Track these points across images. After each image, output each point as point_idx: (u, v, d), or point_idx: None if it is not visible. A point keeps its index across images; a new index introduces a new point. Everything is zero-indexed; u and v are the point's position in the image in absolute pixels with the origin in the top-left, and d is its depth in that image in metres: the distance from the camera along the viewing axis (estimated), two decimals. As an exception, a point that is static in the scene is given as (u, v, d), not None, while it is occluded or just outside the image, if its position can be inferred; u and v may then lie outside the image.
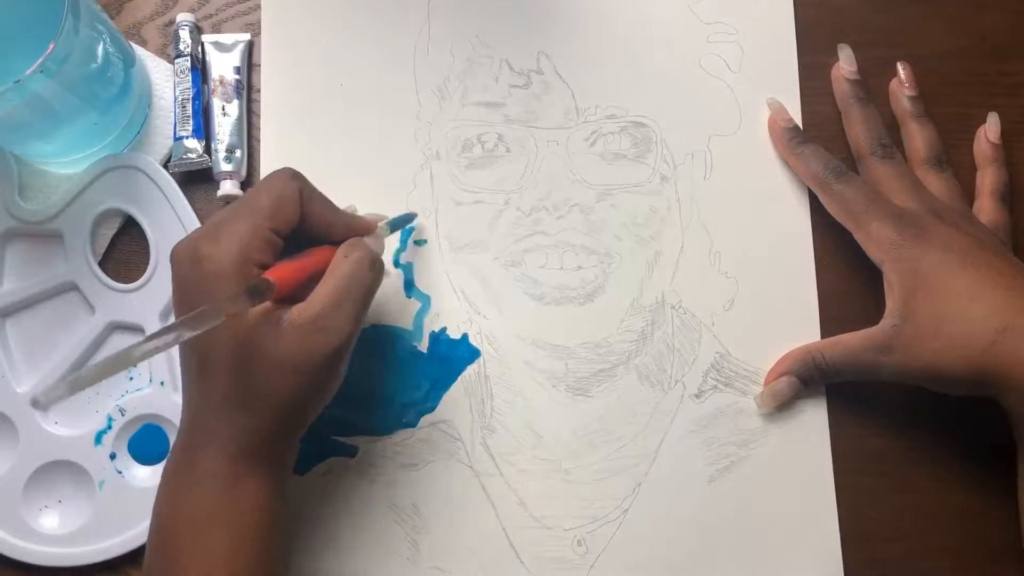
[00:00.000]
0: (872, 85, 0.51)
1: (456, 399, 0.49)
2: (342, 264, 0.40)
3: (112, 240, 0.50)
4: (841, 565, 0.48)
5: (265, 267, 0.39)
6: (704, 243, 0.50)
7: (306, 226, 0.41)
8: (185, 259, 0.39)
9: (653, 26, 0.52)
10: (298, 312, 0.39)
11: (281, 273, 0.39)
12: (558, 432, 0.49)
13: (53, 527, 0.48)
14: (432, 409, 0.49)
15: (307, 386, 0.39)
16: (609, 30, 0.52)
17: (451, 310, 0.49)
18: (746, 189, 0.51)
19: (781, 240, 0.50)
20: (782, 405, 0.48)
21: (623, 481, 0.48)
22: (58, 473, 0.48)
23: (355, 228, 0.43)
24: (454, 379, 0.49)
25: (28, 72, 0.40)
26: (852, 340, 0.46)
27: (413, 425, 0.49)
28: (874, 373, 0.46)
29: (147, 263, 0.49)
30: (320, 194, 0.42)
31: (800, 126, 0.51)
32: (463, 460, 0.48)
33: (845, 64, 0.51)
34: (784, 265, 0.50)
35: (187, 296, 0.39)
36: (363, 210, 0.47)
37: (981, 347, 0.43)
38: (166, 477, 0.40)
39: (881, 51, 0.52)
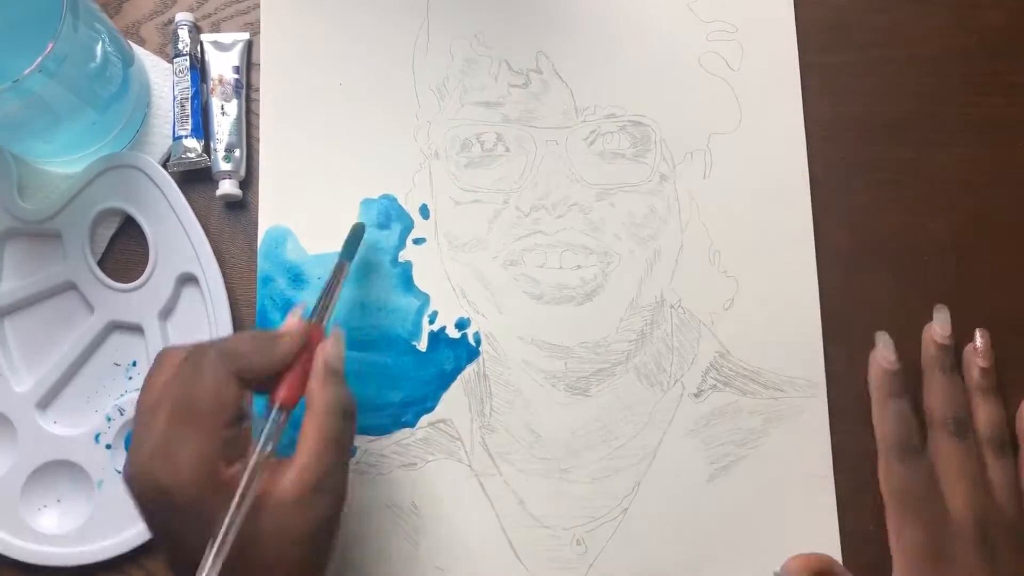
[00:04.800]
0: (872, 85, 0.51)
1: (455, 399, 0.49)
2: (320, 418, 0.38)
3: (111, 239, 0.50)
4: (840, 565, 0.48)
5: (232, 461, 0.37)
6: (703, 242, 0.50)
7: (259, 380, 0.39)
8: (148, 491, 0.36)
9: (652, 25, 0.52)
10: (294, 484, 0.37)
11: (289, 399, 0.38)
12: (557, 431, 0.49)
13: (52, 527, 0.48)
14: (431, 409, 0.49)
15: (318, 550, 0.38)
16: (608, 29, 0.52)
17: (450, 309, 0.49)
18: (746, 188, 0.51)
19: (781, 239, 0.50)
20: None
21: (622, 480, 0.48)
22: (57, 473, 0.48)
23: (301, 348, 0.40)
24: (453, 379, 0.49)
25: (27, 72, 0.40)
26: None
27: (412, 425, 0.49)
28: None
29: (146, 262, 0.49)
30: (252, 344, 0.39)
31: (901, 372, 0.47)
32: (462, 459, 0.48)
33: (939, 327, 0.48)
34: (784, 264, 0.50)
35: (166, 528, 0.37)
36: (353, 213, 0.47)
37: None
38: None
39: (881, 51, 0.52)
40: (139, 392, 0.39)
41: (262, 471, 0.36)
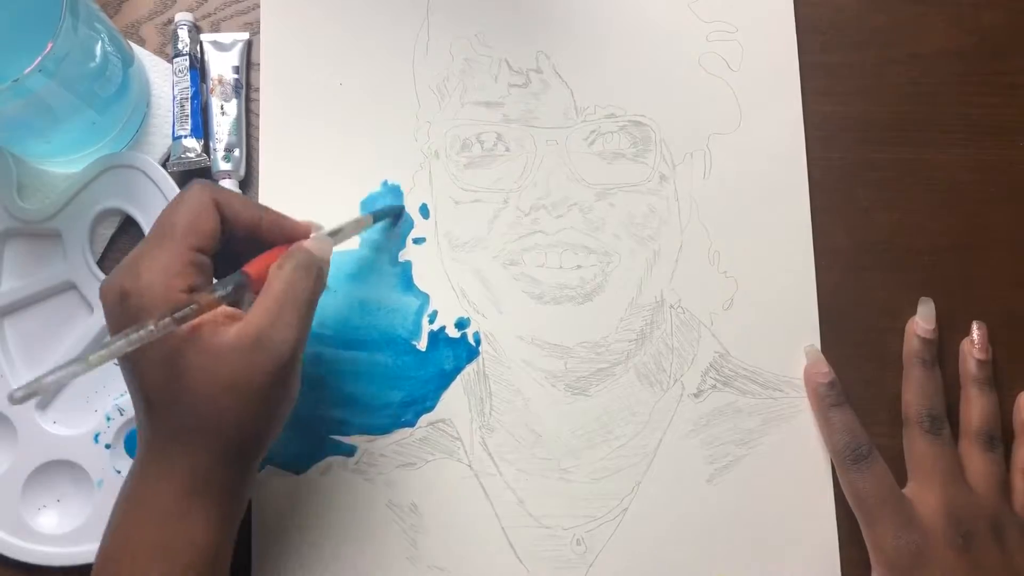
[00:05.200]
0: (872, 85, 0.51)
1: (455, 398, 0.49)
2: (277, 275, 0.38)
3: (111, 239, 0.50)
4: (839, 564, 0.48)
5: (193, 290, 0.37)
6: (703, 242, 0.50)
7: (235, 236, 0.40)
8: (110, 298, 0.37)
9: (652, 25, 0.52)
10: (235, 332, 0.37)
11: (256, 271, 0.38)
12: (557, 431, 0.49)
13: (52, 526, 0.48)
14: (431, 408, 0.49)
15: (253, 410, 0.37)
16: (608, 29, 0.52)
17: (450, 309, 0.49)
18: (745, 188, 0.51)
19: (780, 239, 0.50)
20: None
21: (622, 480, 0.48)
22: (57, 472, 0.48)
23: (284, 228, 0.41)
24: (453, 378, 0.49)
25: (27, 71, 0.40)
26: None
27: (412, 424, 0.49)
28: None
29: (146, 262, 0.49)
30: (241, 197, 0.41)
31: (836, 381, 0.48)
32: (462, 459, 0.48)
33: (922, 320, 0.48)
34: (783, 264, 0.50)
35: (119, 335, 0.37)
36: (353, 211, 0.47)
37: None
38: (117, 504, 0.39)
39: (881, 51, 0.52)
40: None
41: (204, 309, 0.36)
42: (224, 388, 0.37)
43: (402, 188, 0.50)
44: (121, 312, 0.37)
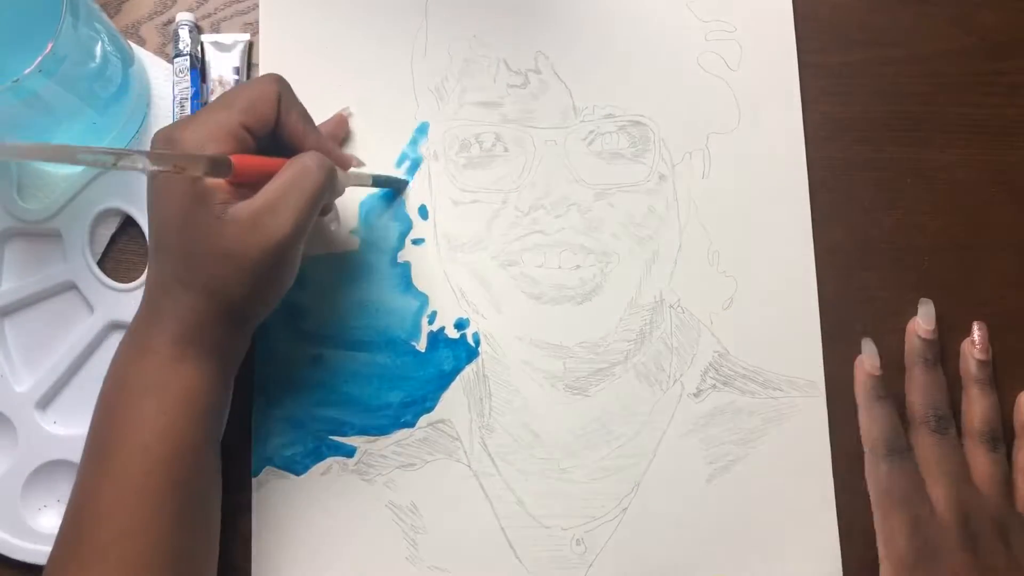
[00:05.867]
0: (872, 85, 0.51)
1: (454, 399, 0.49)
2: (292, 164, 0.41)
3: (111, 239, 0.50)
4: (840, 564, 0.47)
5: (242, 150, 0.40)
6: (703, 242, 0.50)
7: (281, 134, 0.42)
8: (158, 142, 0.40)
9: (651, 25, 0.52)
10: (242, 206, 0.39)
11: (243, 160, 0.39)
12: (556, 431, 0.49)
13: (52, 526, 0.48)
14: (431, 409, 0.49)
15: (247, 279, 0.40)
16: (607, 29, 0.52)
17: (449, 310, 0.49)
18: (745, 188, 0.51)
19: (780, 238, 0.50)
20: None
21: (622, 480, 0.48)
22: (57, 472, 0.48)
23: (323, 147, 0.43)
24: (452, 379, 0.49)
25: (27, 71, 0.40)
26: None
27: (411, 425, 0.49)
28: None
29: (146, 263, 0.49)
30: (301, 107, 0.43)
31: (884, 376, 0.48)
32: (462, 460, 0.48)
33: (922, 321, 0.49)
34: (783, 264, 0.50)
35: (153, 183, 0.41)
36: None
37: None
38: (118, 349, 0.42)
39: (881, 51, 0.52)
40: None
41: (181, 163, 0.37)
42: (218, 255, 0.39)
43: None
44: (168, 162, 0.38)
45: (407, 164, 0.50)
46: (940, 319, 0.49)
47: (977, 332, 0.49)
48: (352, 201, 0.50)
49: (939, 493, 0.46)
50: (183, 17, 0.51)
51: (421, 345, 0.49)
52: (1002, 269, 0.51)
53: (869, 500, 0.48)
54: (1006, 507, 0.46)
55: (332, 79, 0.51)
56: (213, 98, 0.51)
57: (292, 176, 0.40)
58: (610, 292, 0.49)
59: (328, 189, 0.42)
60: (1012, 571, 0.45)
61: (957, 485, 0.46)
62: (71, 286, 0.49)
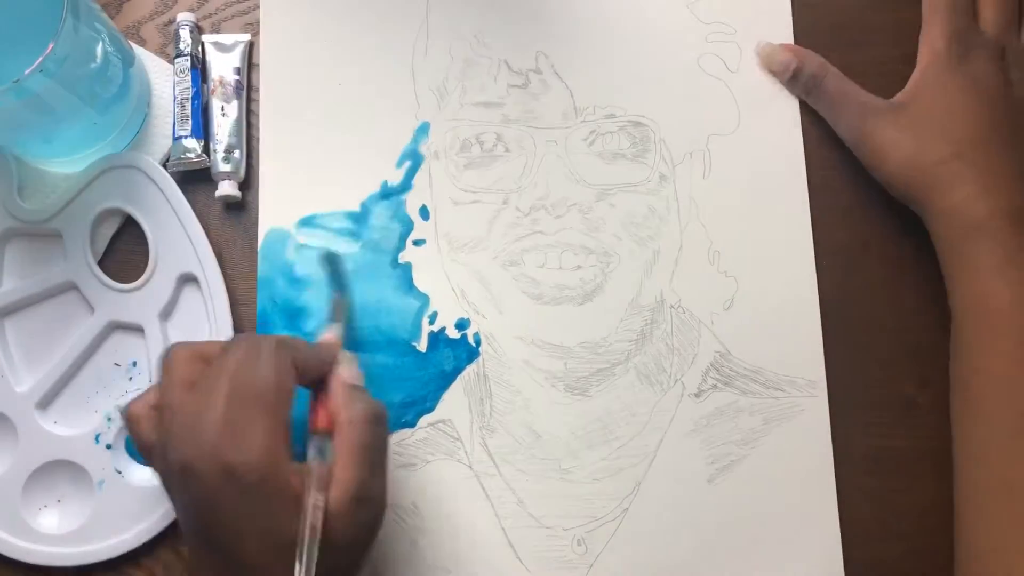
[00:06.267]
0: (872, 85, 0.51)
1: (455, 399, 0.49)
2: (351, 429, 0.38)
3: (111, 240, 0.50)
4: (841, 564, 0.47)
5: (292, 453, 0.37)
6: (703, 242, 0.50)
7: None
8: (213, 472, 0.35)
9: (651, 26, 0.52)
10: (336, 495, 0.37)
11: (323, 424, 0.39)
12: (557, 432, 0.48)
13: (52, 527, 0.48)
14: (431, 409, 0.49)
15: (353, 559, 0.38)
16: (607, 30, 0.52)
17: (450, 310, 0.49)
18: (745, 188, 0.51)
19: (781, 239, 0.50)
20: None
21: (622, 481, 0.48)
22: (58, 473, 0.48)
23: (324, 360, 0.41)
24: (453, 379, 0.49)
25: (27, 72, 0.40)
26: (854, 92, 0.49)
27: (412, 425, 0.49)
28: (840, 125, 0.50)
29: (146, 263, 0.49)
30: (302, 343, 0.40)
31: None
32: (462, 460, 0.48)
33: None
34: (784, 264, 0.50)
35: (219, 514, 0.36)
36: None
37: (931, 161, 0.46)
38: None
39: (881, 51, 0.52)
40: (155, 391, 0.39)
41: (319, 499, 0.36)
42: (336, 550, 0.36)
43: (394, 186, 0.50)
44: (229, 488, 0.35)
45: (408, 164, 0.51)
46: (940, 313, 0.48)
47: None
48: (352, 202, 0.50)
49: (990, 8, 0.49)
50: (184, 17, 0.51)
51: (422, 345, 0.49)
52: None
53: (870, 500, 0.48)
54: (1007, 37, 0.49)
55: (333, 79, 0.51)
56: (214, 98, 0.51)
57: (361, 441, 0.38)
58: (611, 292, 0.49)
59: (384, 426, 0.40)
60: (1000, 83, 0.48)
61: (1007, 5, 0.49)
62: (72, 286, 0.49)
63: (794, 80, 0.50)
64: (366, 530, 0.38)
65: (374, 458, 0.38)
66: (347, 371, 0.41)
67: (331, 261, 0.49)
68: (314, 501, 0.36)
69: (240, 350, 0.37)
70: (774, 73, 0.51)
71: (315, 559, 0.35)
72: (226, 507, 0.35)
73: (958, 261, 0.46)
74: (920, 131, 0.47)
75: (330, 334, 0.43)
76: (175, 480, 0.37)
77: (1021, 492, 0.43)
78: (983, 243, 0.45)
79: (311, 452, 0.38)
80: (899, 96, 0.49)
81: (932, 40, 0.49)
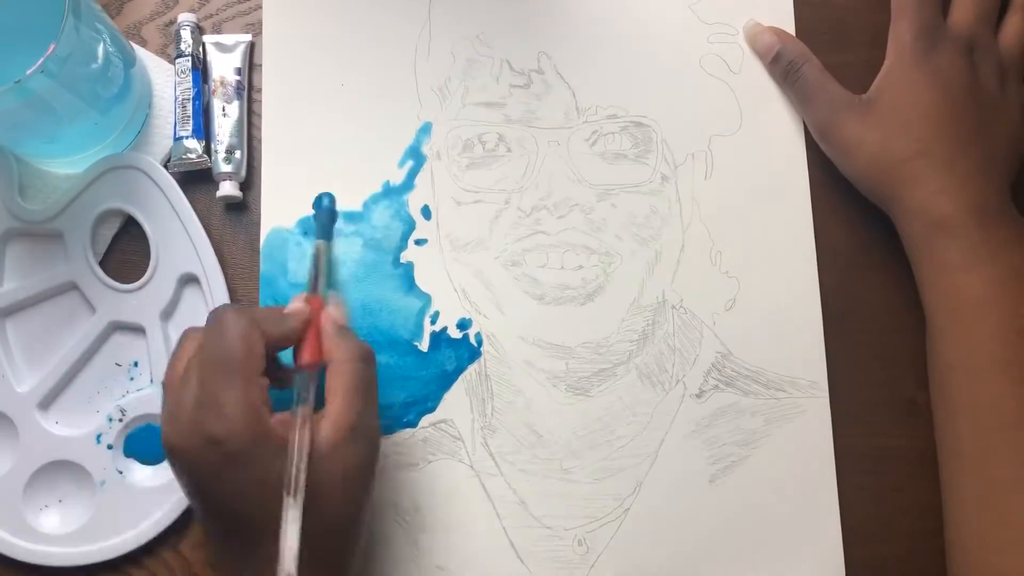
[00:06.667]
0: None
1: (457, 399, 0.49)
2: (341, 368, 0.40)
3: (113, 240, 0.50)
4: (843, 565, 0.48)
5: (270, 409, 0.38)
6: (705, 243, 0.50)
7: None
8: (197, 446, 0.37)
9: (653, 26, 0.52)
10: (331, 429, 0.38)
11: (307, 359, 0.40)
12: (558, 432, 0.49)
13: (54, 527, 0.48)
14: (433, 409, 0.49)
15: (351, 497, 0.39)
16: (610, 30, 0.52)
17: (452, 310, 0.49)
18: (747, 189, 0.51)
19: (782, 239, 0.50)
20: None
21: (624, 481, 0.48)
22: (59, 473, 0.48)
23: (292, 328, 0.41)
24: (455, 379, 0.49)
25: (29, 72, 0.40)
26: (830, 85, 0.49)
27: (414, 425, 0.49)
28: (809, 116, 0.50)
29: (147, 263, 0.49)
30: (269, 311, 0.42)
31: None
32: (464, 460, 0.48)
33: None
34: (785, 264, 0.50)
35: (215, 484, 0.37)
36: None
37: (896, 159, 0.46)
38: None
39: (881, 51, 0.52)
40: (166, 370, 0.41)
41: (306, 424, 0.37)
42: (333, 486, 0.38)
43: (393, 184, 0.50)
44: (217, 461, 0.36)
45: (410, 164, 0.51)
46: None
47: None
48: (354, 202, 0.50)
49: (902, 20, 0.48)
50: (185, 18, 0.51)
51: (424, 345, 0.49)
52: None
53: (871, 500, 0.48)
54: (981, 32, 0.48)
55: (335, 79, 0.51)
56: (215, 98, 0.50)
57: (354, 378, 0.40)
58: (612, 292, 0.49)
59: (375, 369, 0.41)
60: (965, 79, 0.47)
61: (981, 5, 0.49)
62: (73, 286, 0.49)
63: (775, 63, 0.50)
64: (365, 462, 0.39)
65: (366, 392, 0.40)
66: (335, 312, 0.42)
67: (321, 205, 0.47)
68: (301, 418, 0.37)
69: (208, 328, 0.39)
70: (757, 53, 0.51)
71: (303, 486, 0.36)
72: (219, 474, 0.37)
73: (927, 258, 0.46)
74: (886, 129, 0.47)
75: (298, 302, 0.43)
76: (170, 462, 0.39)
77: (1002, 488, 0.43)
78: (950, 240, 0.45)
79: (296, 386, 0.39)
80: (869, 92, 0.49)
81: (899, 34, 0.48)
